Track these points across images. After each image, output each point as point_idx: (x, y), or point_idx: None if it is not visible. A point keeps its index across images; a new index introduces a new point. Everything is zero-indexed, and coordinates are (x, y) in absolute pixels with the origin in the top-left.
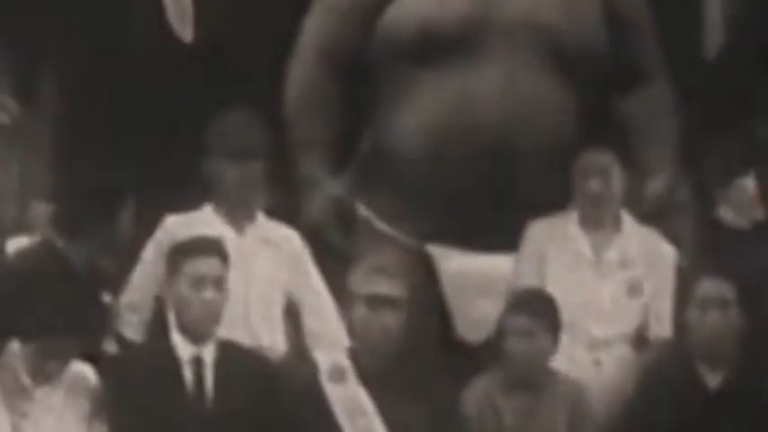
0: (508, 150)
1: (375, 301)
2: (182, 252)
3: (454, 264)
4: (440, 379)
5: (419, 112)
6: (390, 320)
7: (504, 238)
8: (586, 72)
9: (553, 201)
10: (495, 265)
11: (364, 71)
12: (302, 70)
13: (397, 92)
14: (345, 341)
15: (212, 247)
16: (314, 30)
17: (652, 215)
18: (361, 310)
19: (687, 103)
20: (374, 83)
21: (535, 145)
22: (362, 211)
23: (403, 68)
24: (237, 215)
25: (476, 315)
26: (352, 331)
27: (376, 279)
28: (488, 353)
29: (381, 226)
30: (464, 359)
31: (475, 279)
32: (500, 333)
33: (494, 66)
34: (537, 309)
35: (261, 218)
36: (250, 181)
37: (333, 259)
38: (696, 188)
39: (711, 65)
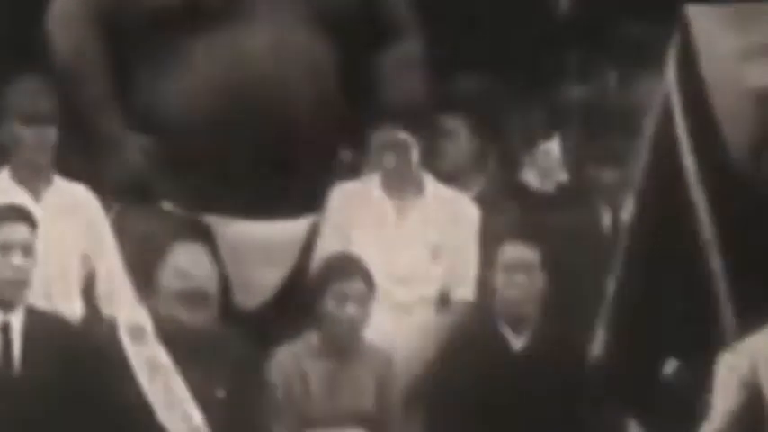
0: (282, 113)
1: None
2: None
3: (232, 232)
4: (241, 344)
5: (190, 79)
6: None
7: (283, 203)
8: (346, 29)
9: (328, 163)
10: (274, 231)
11: (132, 38)
12: (71, 33)
13: (168, 60)
14: (138, 305)
15: (20, 214)
16: None
17: None
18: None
19: (490, 66)
20: (143, 50)
21: (308, 106)
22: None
23: (170, 36)
24: (34, 180)
25: (254, 282)
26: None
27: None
28: (264, 319)
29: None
30: (241, 325)
31: (254, 246)
32: (316, 298)
33: (261, 28)
34: (365, 273)
35: (57, 181)
36: (44, 145)
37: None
38: (501, 152)
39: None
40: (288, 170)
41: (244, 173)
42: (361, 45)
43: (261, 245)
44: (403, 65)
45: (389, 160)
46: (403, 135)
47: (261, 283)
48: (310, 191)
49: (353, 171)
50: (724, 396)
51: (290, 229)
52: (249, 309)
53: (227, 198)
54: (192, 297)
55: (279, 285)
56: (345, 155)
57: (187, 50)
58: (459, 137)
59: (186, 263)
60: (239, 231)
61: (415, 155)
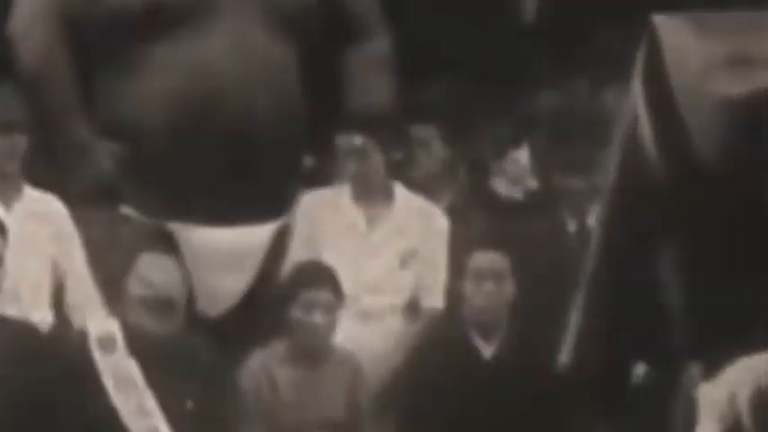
0: (244, 118)
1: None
2: None
3: (196, 238)
4: (209, 353)
5: (151, 84)
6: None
7: (247, 209)
8: (311, 30)
9: (292, 168)
10: (238, 238)
11: (93, 42)
12: (37, 37)
13: (129, 64)
14: (108, 315)
15: None
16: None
17: None
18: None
19: (459, 74)
20: (104, 54)
21: (270, 110)
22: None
23: (131, 40)
24: (3, 189)
25: (217, 289)
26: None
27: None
28: (228, 326)
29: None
30: (205, 333)
31: (217, 253)
32: (285, 305)
33: (222, 32)
34: (333, 282)
35: (28, 190)
36: (13, 154)
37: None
38: (471, 160)
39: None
40: (250, 176)
41: (206, 179)
42: (327, 47)
43: (224, 251)
44: (370, 66)
45: (350, 167)
46: (361, 141)
47: (225, 290)
48: (274, 197)
49: (323, 177)
50: (704, 428)
51: (253, 236)
52: (213, 316)
53: (190, 204)
54: (157, 305)
55: (243, 292)
56: (309, 160)
57: (147, 54)
58: (432, 146)
59: (151, 270)
60: (202, 238)
61: (377, 161)
